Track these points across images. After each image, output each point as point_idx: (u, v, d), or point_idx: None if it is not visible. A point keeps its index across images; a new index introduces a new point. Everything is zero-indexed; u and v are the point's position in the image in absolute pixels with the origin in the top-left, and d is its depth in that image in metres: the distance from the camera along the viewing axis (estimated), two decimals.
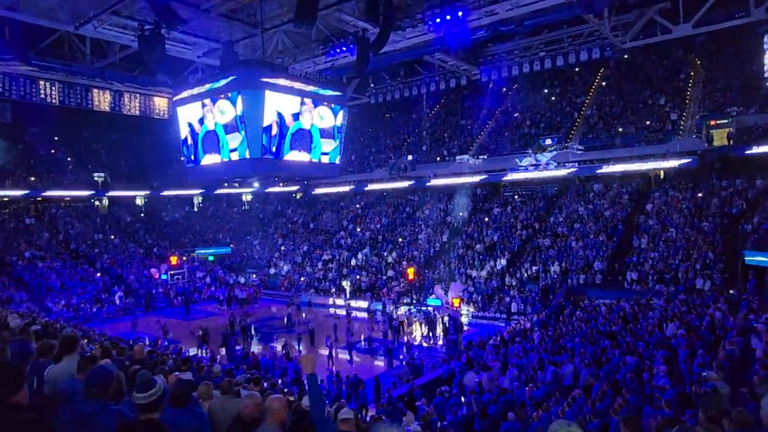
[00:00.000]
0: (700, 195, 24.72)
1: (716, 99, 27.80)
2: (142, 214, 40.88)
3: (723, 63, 29.16)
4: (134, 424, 2.60)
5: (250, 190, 43.12)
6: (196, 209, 44.47)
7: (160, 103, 32.63)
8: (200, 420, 3.24)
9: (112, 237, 35.88)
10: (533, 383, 11.32)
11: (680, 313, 14.45)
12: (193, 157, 15.61)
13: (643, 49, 28.95)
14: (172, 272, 30.20)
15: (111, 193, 39.18)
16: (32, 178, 36.00)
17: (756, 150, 23.50)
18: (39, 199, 36.02)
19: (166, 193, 40.92)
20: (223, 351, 18.72)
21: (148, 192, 40.92)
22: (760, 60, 24.45)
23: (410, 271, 25.30)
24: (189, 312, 27.37)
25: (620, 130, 28.94)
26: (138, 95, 31.02)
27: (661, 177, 27.49)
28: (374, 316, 23.42)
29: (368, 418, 9.04)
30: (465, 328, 20.60)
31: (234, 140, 13.92)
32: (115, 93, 29.31)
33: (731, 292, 17.52)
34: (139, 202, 41.74)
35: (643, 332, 13.44)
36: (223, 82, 13.81)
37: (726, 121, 26.16)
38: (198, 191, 42.70)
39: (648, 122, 28.39)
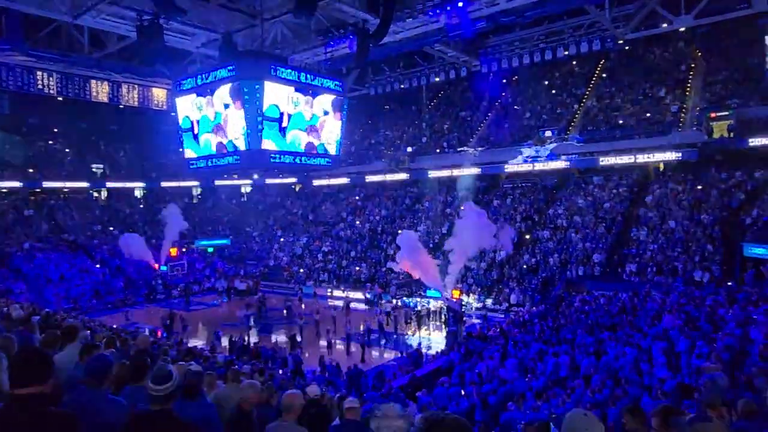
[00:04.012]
0: (699, 188, 24.73)
1: (717, 91, 27.73)
2: (141, 206, 40.83)
3: (724, 55, 29.05)
4: (147, 415, 2.61)
5: (249, 181, 43.07)
6: (195, 201, 44.42)
7: (159, 94, 32.46)
8: (208, 411, 3.27)
9: (111, 228, 35.85)
10: (533, 374, 11.40)
11: (679, 304, 14.53)
12: (191, 149, 15.59)
13: (644, 40, 28.84)
14: (171, 264, 30.25)
15: (109, 185, 39.16)
16: (30, 170, 35.90)
17: (755, 142, 23.47)
18: (37, 190, 35.96)
19: (164, 184, 40.86)
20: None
21: (146, 184, 40.88)
22: (761, 52, 24.38)
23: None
24: (189, 303, 27.43)
25: (620, 122, 28.88)
26: (136, 86, 30.84)
27: (661, 169, 27.48)
28: (373, 307, 23.52)
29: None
30: (465, 319, 20.65)
31: (233, 132, 13.90)
32: (113, 84, 29.14)
33: (730, 284, 17.58)
34: (137, 193, 41.69)
35: (642, 324, 13.52)
36: (222, 72, 13.75)
37: (726, 113, 26.08)
38: (197, 183, 42.62)
39: (648, 114, 28.34)
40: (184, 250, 33.74)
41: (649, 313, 14.23)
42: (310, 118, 14.84)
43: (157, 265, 29.76)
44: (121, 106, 31.47)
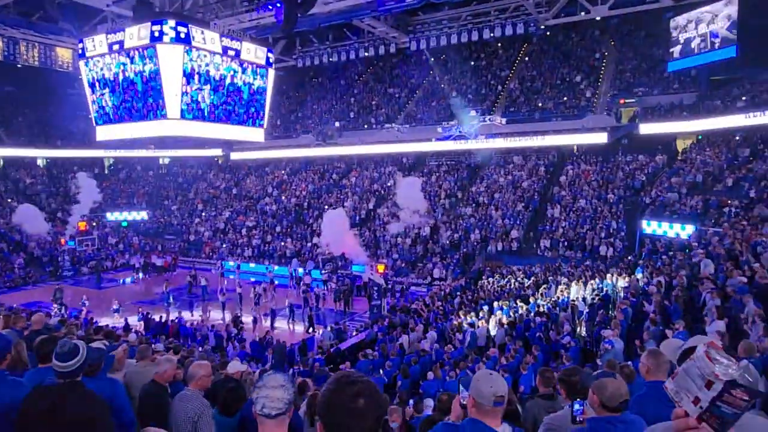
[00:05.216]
0: (608, 169, 26.54)
1: (626, 79, 29.65)
2: (44, 176, 37.53)
3: (633, 45, 31.04)
4: (54, 387, 2.46)
5: (168, 153, 40.75)
6: (106, 171, 41.50)
7: (64, 54, 29.79)
8: (113, 386, 3.13)
9: (9, 200, 32.76)
10: (452, 344, 11.91)
11: (585, 277, 15.67)
12: (101, 116, 14.51)
13: (564, 27, 30.16)
14: (80, 238, 28.24)
15: (6, 152, 35.57)
16: None
17: (657, 129, 25.46)
18: None
19: (71, 153, 37.70)
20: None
21: (50, 152, 37.52)
22: (665, 44, 26.25)
23: None
24: (100, 281, 25.86)
25: (540, 104, 30.20)
26: (37, 44, 28.08)
27: (575, 151, 29.16)
28: (298, 283, 23.40)
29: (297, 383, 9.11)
30: (388, 293, 21.08)
31: (148, 99, 13.08)
32: (8, 40, 26.33)
33: (629, 258, 19.17)
34: (40, 162, 38.24)
35: (552, 295, 14.47)
36: (136, 34, 12.82)
37: (633, 100, 28.04)
38: (108, 153, 39.64)
39: (565, 98, 29.83)
40: (94, 224, 31.60)
41: (558, 285, 15.24)
42: (233, 87, 14.25)
43: (63, 241, 27.68)
44: (18, 65, 28.57)
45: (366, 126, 34.80)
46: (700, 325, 8.62)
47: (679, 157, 25.27)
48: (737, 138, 23.26)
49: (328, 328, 15.97)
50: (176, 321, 17.12)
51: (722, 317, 8.11)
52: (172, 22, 12.66)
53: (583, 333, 11.13)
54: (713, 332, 7.55)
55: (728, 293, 9.15)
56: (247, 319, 18.33)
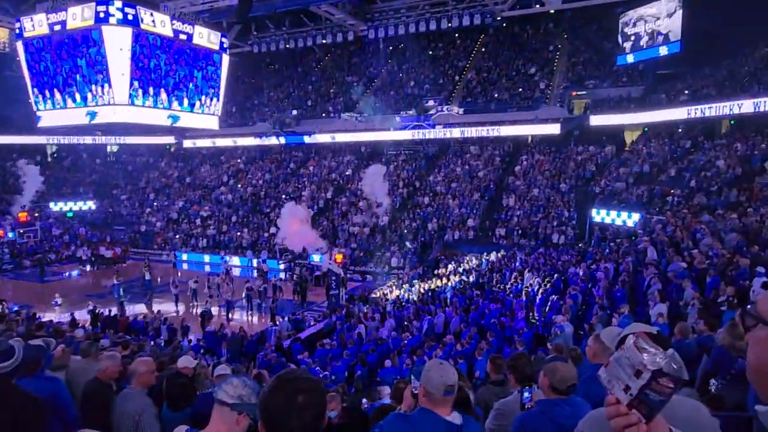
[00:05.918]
0: (560, 159, 27.30)
1: (578, 72, 30.49)
2: None
3: (586, 39, 31.91)
4: None
5: (116, 140, 39.05)
6: (49, 159, 39.43)
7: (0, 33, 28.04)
8: (54, 386, 3.00)
9: None
10: (409, 332, 12.05)
11: (538, 264, 16.14)
12: (42, 101, 13.77)
13: (519, 19, 30.68)
14: (21, 230, 26.81)
15: None
16: None
17: (607, 120, 26.35)
18: None
19: (10, 140, 35.54)
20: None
21: None
22: (615, 39, 27.12)
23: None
24: (44, 274, 24.66)
25: (496, 95, 30.67)
26: None
27: (530, 141, 29.82)
28: (255, 273, 23.07)
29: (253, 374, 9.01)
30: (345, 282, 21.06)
31: (94, 83, 12.50)
32: None
33: (580, 245, 19.86)
34: None
35: (507, 282, 14.84)
36: (79, 14, 12.19)
37: (584, 92, 28.90)
38: (51, 139, 37.56)
39: (520, 90, 30.41)
40: (36, 214, 30.04)
41: (512, 273, 15.63)
42: (186, 72, 13.80)
43: (2, 232, 26.23)
44: None
45: (324, 114, 34.43)
46: (644, 308, 9.05)
47: (627, 148, 26.27)
48: (680, 130, 24.37)
49: (286, 319, 15.85)
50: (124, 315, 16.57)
51: (664, 301, 8.53)
52: (118, 3, 12.11)
53: (536, 319, 11.48)
54: (656, 315, 7.94)
55: (669, 278, 9.62)
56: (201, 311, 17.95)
